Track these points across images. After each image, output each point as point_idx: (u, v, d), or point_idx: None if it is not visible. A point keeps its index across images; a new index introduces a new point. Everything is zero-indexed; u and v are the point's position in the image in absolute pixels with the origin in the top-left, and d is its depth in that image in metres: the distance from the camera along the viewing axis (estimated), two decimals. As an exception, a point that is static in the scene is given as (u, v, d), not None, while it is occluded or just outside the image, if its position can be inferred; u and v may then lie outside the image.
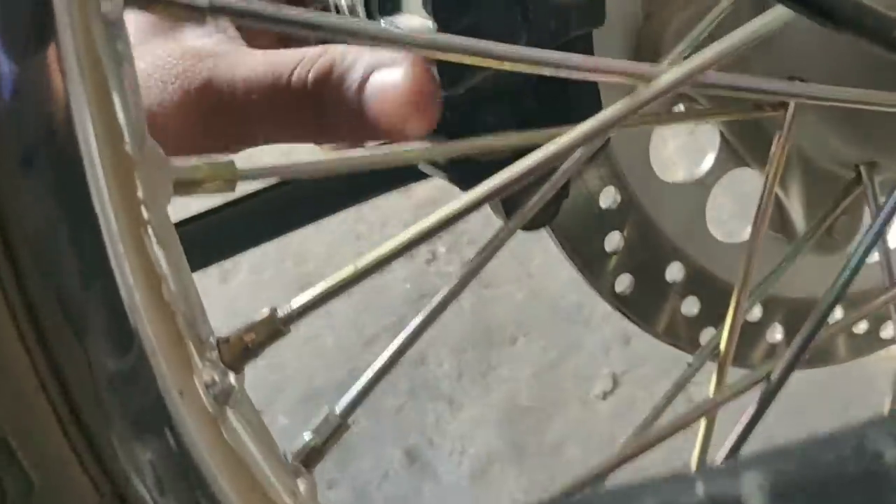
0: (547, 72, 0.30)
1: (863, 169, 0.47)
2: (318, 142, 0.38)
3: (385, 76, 0.33)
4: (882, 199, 0.47)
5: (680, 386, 0.43)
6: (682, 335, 0.49)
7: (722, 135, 0.47)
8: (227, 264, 1.17)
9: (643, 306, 0.48)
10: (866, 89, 0.35)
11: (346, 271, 0.31)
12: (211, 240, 0.47)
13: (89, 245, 0.22)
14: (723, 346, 0.42)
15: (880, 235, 0.44)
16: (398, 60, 0.33)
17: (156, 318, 0.25)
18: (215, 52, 0.35)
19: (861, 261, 0.41)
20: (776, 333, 0.54)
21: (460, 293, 0.35)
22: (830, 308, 0.41)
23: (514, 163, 0.37)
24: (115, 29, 0.23)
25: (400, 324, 1.20)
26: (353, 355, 1.07)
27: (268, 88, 0.34)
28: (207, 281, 1.13)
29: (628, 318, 0.48)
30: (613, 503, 0.19)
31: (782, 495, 0.18)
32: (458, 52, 0.29)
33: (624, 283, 0.47)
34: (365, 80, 0.33)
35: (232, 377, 0.29)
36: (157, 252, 0.25)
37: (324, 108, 0.34)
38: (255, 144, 0.37)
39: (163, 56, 0.35)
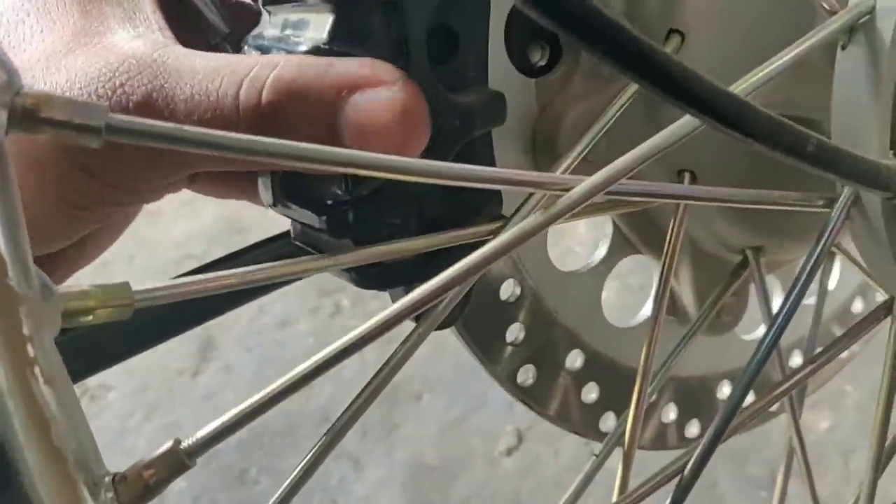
0: (458, 184, 0.31)
1: (749, 253, 0.49)
2: (262, 168, 0.34)
3: (373, 96, 0.30)
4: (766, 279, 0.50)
5: (587, 480, 0.44)
6: (582, 421, 0.50)
7: (614, 223, 0.49)
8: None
9: (544, 395, 0.49)
10: (758, 189, 0.36)
11: (256, 398, 0.30)
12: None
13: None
14: (627, 438, 0.42)
15: (788, 319, 0.45)
16: (381, 75, 0.30)
17: (43, 462, 0.24)
18: (153, 60, 0.31)
19: (770, 349, 0.41)
20: (670, 413, 0.55)
21: (367, 408, 0.35)
22: (743, 396, 0.41)
23: (421, 265, 0.38)
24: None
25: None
26: (255, 414, 1.04)
27: (210, 107, 0.30)
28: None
29: (529, 406, 0.49)
30: None
31: None
32: (371, 168, 0.28)
33: (525, 373, 0.48)
34: (341, 98, 0.30)
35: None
36: (45, 391, 0.24)
37: (279, 130, 0.30)
38: (196, 170, 0.34)
39: (97, 66, 0.31)
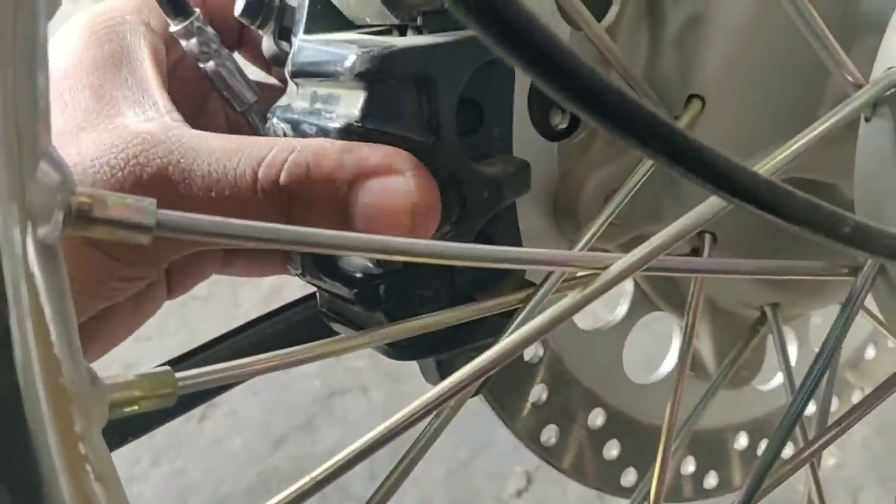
0: (496, 266, 0.31)
1: (768, 309, 0.49)
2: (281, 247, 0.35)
3: (386, 184, 0.31)
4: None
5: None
6: (603, 478, 0.50)
7: (635, 281, 0.49)
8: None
9: (568, 454, 0.49)
10: (782, 259, 0.37)
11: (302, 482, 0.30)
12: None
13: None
14: (653, 495, 0.42)
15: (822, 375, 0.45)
16: (395, 163, 0.31)
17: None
18: (168, 137, 0.31)
19: (805, 403, 0.40)
20: (689, 465, 0.55)
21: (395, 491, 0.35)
22: (780, 449, 0.40)
23: (450, 335, 0.38)
24: (50, 253, 0.22)
25: (309, 424, 1.18)
26: (262, 457, 1.04)
27: (229, 185, 0.30)
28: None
29: (553, 466, 0.49)
30: None
31: None
32: (409, 254, 0.29)
33: (549, 433, 0.48)
34: (356, 183, 0.31)
35: None
36: (97, 489, 0.24)
37: (296, 211, 0.31)
38: (211, 246, 0.33)
39: (110, 139, 0.32)
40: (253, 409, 1.10)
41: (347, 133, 0.33)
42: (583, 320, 0.49)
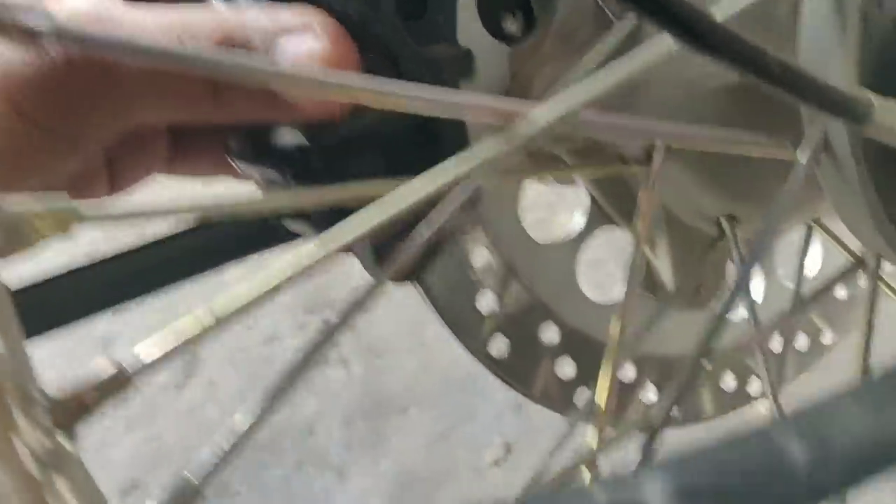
0: (415, 109, 0.30)
1: (724, 222, 0.48)
2: (210, 120, 0.34)
3: (298, 43, 0.31)
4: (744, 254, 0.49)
5: (560, 443, 0.43)
6: (557, 396, 0.49)
7: (590, 194, 0.48)
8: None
9: (518, 368, 0.47)
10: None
11: (203, 318, 0.29)
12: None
13: None
14: (601, 402, 0.41)
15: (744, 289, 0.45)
16: (306, 23, 0.31)
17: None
18: (98, 13, 0.30)
19: (723, 315, 0.41)
20: (650, 393, 0.54)
21: (325, 344, 0.34)
22: (699, 359, 0.40)
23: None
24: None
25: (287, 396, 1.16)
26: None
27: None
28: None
29: (503, 380, 0.48)
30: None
31: (687, 499, 0.18)
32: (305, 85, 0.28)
33: (499, 345, 0.47)
34: (272, 44, 0.31)
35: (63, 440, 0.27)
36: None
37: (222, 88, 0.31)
38: (145, 119, 0.33)
39: None
40: (231, 379, 1.09)
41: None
42: (538, 232, 0.48)
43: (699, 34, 0.26)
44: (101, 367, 0.27)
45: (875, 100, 0.30)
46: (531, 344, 0.48)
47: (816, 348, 0.61)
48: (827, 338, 0.62)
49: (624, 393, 0.52)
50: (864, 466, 0.20)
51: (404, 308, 1.10)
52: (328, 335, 0.34)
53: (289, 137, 0.37)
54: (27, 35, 0.23)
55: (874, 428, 0.20)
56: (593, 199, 0.48)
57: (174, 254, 0.46)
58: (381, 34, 0.35)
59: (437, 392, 1.07)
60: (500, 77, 0.44)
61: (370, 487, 0.95)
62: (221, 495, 0.93)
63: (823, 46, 0.34)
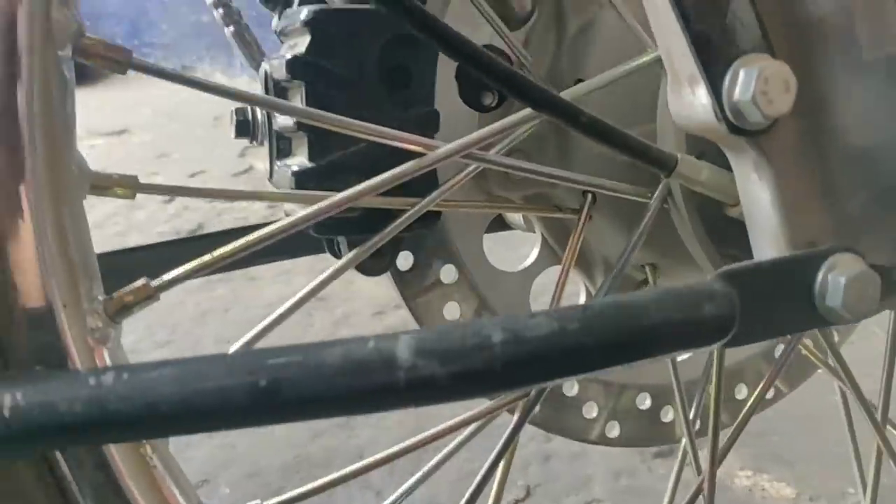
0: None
1: (647, 269, 0.60)
2: None
3: None
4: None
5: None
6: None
7: (543, 236, 0.62)
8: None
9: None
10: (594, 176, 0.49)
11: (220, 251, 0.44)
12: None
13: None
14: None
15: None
16: None
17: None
18: None
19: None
20: (592, 411, 0.66)
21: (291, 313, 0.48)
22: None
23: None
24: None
25: (347, 423, 1.31)
26: (300, 444, 1.18)
27: None
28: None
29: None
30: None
31: (422, 348, 0.31)
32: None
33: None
34: None
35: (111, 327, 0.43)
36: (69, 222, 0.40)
37: None
38: None
39: None
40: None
41: (294, 62, 0.49)
42: (499, 262, 0.61)
43: (521, 90, 0.40)
44: (137, 282, 0.43)
45: (680, 157, 0.43)
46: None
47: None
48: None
49: (570, 404, 0.64)
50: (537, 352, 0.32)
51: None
52: (293, 309, 0.49)
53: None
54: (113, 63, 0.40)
55: (551, 328, 0.33)
56: (545, 240, 0.62)
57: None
58: (366, 96, 0.50)
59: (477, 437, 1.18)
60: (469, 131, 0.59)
61: (400, 507, 1.07)
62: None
63: (665, 121, 0.47)
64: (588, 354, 0.33)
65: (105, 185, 0.43)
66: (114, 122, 2.39)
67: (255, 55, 0.59)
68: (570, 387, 0.65)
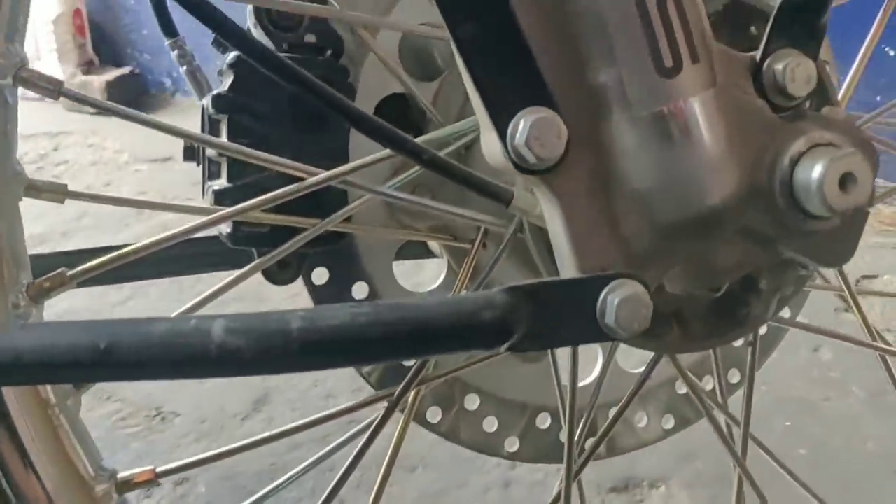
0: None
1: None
2: None
3: None
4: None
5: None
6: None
7: (448, 262, 0.69)
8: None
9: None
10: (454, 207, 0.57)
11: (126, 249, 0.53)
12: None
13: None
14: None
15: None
16: None
17: None
18: None
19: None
20: (492, 426, 0.72)
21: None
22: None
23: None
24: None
25: (324, 438, 1.38)
26: (278, 454, 1.26)
27: None
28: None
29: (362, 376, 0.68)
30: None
31: (233, 328, 0.39)
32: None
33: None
34: None
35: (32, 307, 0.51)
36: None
37: None
38: None
39: None
40: (287, 420, 1.33)
41: (219, 98, 0.58)
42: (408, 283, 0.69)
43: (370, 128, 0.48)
44: (55, 272, 0.52)
45: (516, 190, 0.51)
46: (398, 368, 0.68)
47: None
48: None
49: (471, 420, 0.71)
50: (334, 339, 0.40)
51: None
52: (201, 304, 0.57)
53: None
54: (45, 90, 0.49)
55: (343, 320, 0.40)
56: (450, 266, 0.69)
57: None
58: (279, 132, 0.59)
59: (444, 460, 1.25)
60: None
61: (360, 520, 1.14)
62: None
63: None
64: (373, 344, 0.40)
65: (38, 189, 0.52)
66: (160, 150, 2.54)
67: (204, 91, 0.69)
68: (473, 401, 0.72)
